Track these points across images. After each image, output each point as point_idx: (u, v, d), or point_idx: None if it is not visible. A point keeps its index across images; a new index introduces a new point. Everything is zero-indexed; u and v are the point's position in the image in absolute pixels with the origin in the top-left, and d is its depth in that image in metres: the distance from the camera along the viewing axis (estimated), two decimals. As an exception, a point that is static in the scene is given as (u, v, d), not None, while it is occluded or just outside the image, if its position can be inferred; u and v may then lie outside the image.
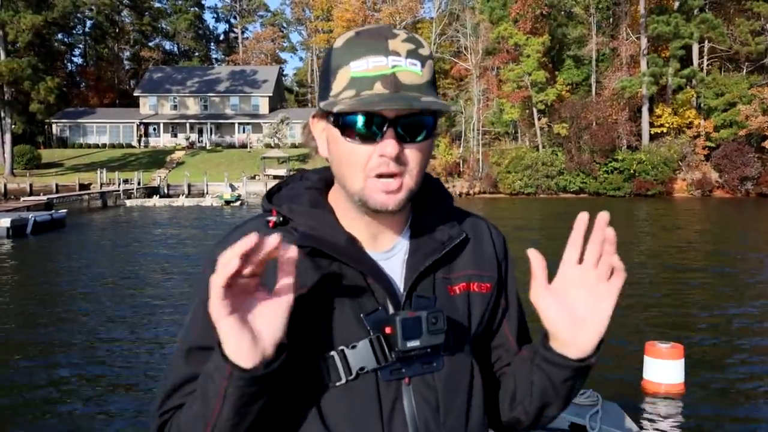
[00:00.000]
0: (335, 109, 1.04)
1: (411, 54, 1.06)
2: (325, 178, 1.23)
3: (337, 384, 1.08)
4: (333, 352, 1.09)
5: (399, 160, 1.06)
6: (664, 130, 50.80)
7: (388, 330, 1.07)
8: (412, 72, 1.05)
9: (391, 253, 1.17)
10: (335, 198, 1.19)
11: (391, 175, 1.06)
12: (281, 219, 1.15)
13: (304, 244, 1.09)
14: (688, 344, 7.88)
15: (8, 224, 21.32)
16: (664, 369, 6.58)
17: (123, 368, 8.00)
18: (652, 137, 50.76)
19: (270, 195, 1.22)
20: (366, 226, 1.16)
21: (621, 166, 48.43)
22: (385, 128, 1.04)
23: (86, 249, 19.43)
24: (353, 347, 1.08)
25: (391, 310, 1.11)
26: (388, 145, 1.04)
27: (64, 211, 27.08)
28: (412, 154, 1.07)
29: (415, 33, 1.13)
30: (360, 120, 1.04)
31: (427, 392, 1.12)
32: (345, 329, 1.09)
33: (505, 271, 1.30)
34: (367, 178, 1.07)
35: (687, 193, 48.45)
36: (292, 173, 1.32)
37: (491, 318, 1.27)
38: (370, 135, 1.05)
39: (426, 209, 1.23)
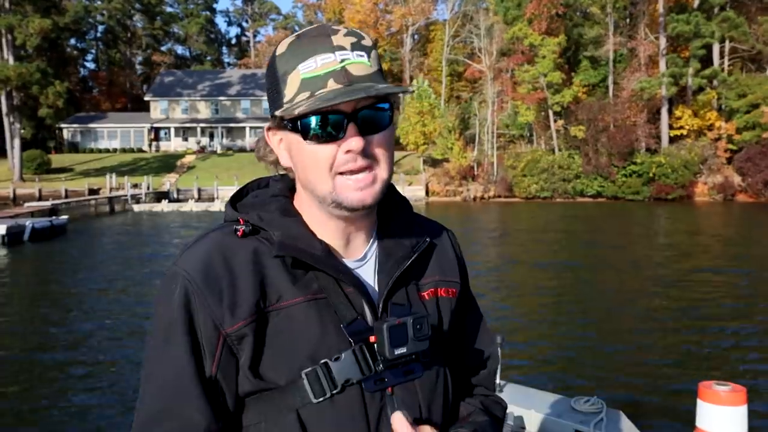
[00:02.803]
0: (296, 112, 1.03)
1: (356, 46, 1.07)
2: (289, 186, 1.20)
3: (322, 399, 1.06)
4: (315, 366, 1.07)
5: (366, 153, 1.06)
6: (684, 132, 49.44)
7: (372, 339, 1.07)
8: (361, 63, 1.06)
9: (363, 261, 1.17)
10: (301, 206, 1.17)
11: (361, 170, 1.06)
12: (250, 228, 1.12)
13: (282, 253, 1.08)
14: (752, 387, 6.48)
15: (4, 231, 20.56)
16: (722, 417, 5.45)
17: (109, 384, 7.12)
18: (672, 140, 49.42)
19: (233, 202, 1.19)
20: (337, 233, 1.15)
21: (640, 169, 47.16)
22: (345, 124, 1.04)
23: (82, 257, 18.66)
24: (337, 359, 1.07)
25: (369, 319, 1.11)
26: (353, 141, 1.04)
27: (65, 217, 26.39)
28: (377, 145, 1.08)
29: (357, 29, 1.12)
30: (320, 120, 1.04)
31: (409, 399, 1.12)
32: (325, 340, 1.08)
33: (465, 277, 1.32)
34: (335, 176, 1.07)
35: (708, 197, 47.07)
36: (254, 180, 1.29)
37: (457, 322, 1.28)
38: (332, 134, 1.05)
39: (390, 216, 1.23)
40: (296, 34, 1.10)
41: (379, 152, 1.08)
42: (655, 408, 6.74)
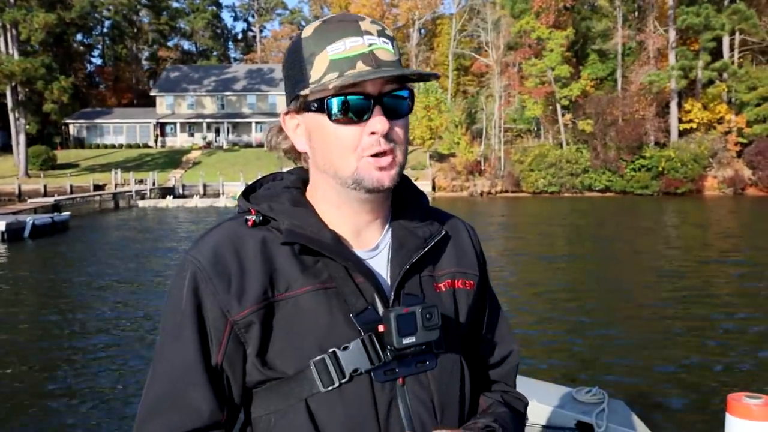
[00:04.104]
0: (331, 86, 1.03)
1: (381, 34, 1.09)
2: (302, 178, 1.22)
3: (330, 388, 1.06)
4: (324, 355, 1.07)
5: (388, 137, 1.08)
6: (694, 125, 48.92)
7: (381, 328, 1.07)
8: (387, 50, 1.08)
9: (375, 251, 1.17)
10: (314, 196, 1.18)
11: (383, 153, 1.07)
12: (261, 218, 1.14)
13: (290, 240, 1.09)
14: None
15: (3, 228, 20.34)
16: (753, 433, 5.04)
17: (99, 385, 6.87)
18: (681, 133, 48.88)
19: (246, 194, 1.21)
20: (349, 222, 1.15)
21: (649, 163, 46.66)
22: (372, 107, 1.06)
23: (81, 254, 18.43)
24: (345, 348, 1.07)
25: (380, 309, 1.10)
26: (379, 122, 1.05)
27: (67, 213, 26.16)
28: (398, 129, 1.10)
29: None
30: (347, 101, 1.06)
31: (421, 392, 1.11)
32: (334, 330, 1.08)
33: (484, 272, 1.31)
34: (360, 158, 1.07)
35: (718, 191, 46.55)
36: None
37: (475, 315, 1.27)
38: (358, 115, 1.06)
39: (403, 207, 1.23)
40: (322, 19, 1.11)
41: (399, 138, 1.09)
42: (658, 398, 6.65)
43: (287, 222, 1.11)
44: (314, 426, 1.06)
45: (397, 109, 1.09)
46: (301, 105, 1.11)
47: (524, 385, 5.06)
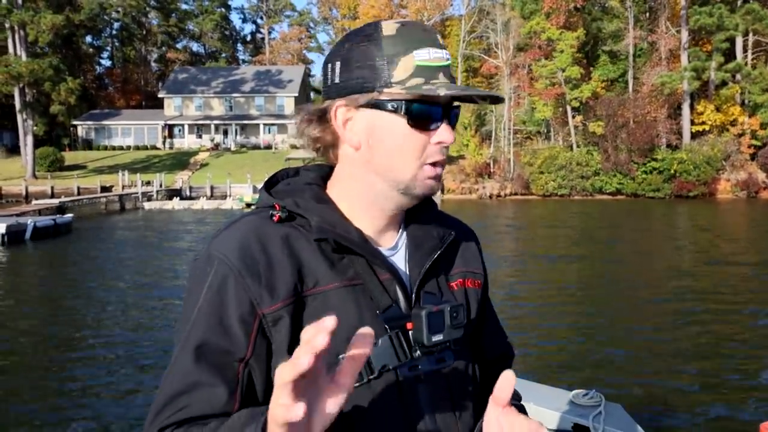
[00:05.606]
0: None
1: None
2: (321, 175, 1.22)
3: (358, 384, 1.05)
4: None
5: (447, 147, 1.13)
6: (707, 127, 48.19)
7: (408, 326, 1.09)
8: (451, 66, 1.13)
9: (395, 250, 1.20)
10: (340, 194, 1.18)
11: (441, 163, 1.12)
12: (286, 214, 1.13)
13: (322, 237, 1.10)
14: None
15: (3, 230, 20.06)
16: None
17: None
18: (694, 135, 48.18)
19: (267, 188, 1.20)
20: (373, 222, 1.17)
21: (660, 166, 45.97)
22: (441, 116, 1.10)
23: (81, 257, 18.15)
24: (374, 345, 1.06)
25: (403, 306, 1.13)
26: (447, 133, 1.10)
27: (70, 215, 25.88)
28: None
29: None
30: (427, 108, 1.08)
31: (441, 387, 1.15)
32: (363, 326, 1.07)
33: (485, 272, 1.35)
34: (422, 165, 1.11)
35: (731, 195, 45.81)
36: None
37: (481, 313, 1.32)
38: (431, 123, 1.09)
39: (415, 210, 1.25)
40: (398, 21, 1.11)
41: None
42: (655, 402, 6.55)
43: (316, 218, 1.10)
44: (341, 421, 1.00)
45: (454, 122, 1.12)
46: (368, 101, 1.09)
47: (521, 387, 4.86)
